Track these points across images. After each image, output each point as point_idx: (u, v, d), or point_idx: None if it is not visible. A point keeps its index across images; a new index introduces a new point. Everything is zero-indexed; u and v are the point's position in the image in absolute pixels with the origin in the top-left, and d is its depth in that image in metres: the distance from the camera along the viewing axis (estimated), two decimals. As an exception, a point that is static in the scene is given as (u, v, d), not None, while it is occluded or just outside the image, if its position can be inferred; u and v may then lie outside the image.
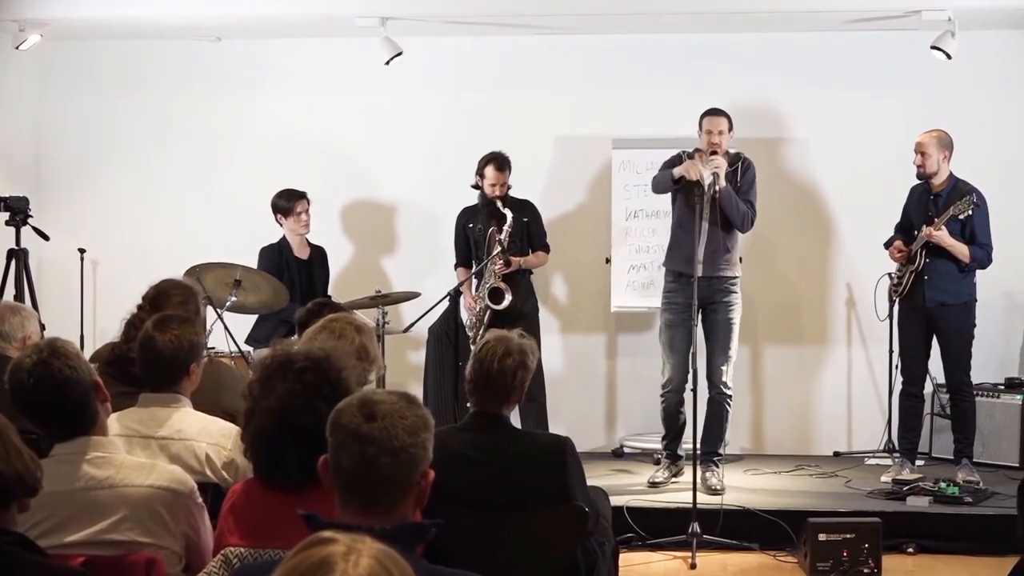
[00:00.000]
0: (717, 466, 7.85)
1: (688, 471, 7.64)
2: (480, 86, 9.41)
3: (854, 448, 9.06)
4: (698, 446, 7.37)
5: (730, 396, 7.86)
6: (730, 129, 7.76)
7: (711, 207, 7.51)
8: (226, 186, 9.48)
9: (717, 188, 7.53)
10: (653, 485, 7.78)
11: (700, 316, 7.61)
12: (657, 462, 8.54)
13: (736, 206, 7.64)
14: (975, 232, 7.63)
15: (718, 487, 7.63)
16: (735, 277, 7.85)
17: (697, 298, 7.34)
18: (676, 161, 7.79)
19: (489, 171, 8.37)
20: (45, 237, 8.51)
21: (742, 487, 7.83)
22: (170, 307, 4.97)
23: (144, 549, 3.44)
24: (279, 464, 3.30)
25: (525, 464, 4.32)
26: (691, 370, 7.32)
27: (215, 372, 4.93)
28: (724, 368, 7.79)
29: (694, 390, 7.40)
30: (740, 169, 7.77)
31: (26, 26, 8.74)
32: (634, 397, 9.30)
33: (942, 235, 7.58)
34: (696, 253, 7.34)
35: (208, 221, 9.41)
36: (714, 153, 7.61)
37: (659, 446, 8.56)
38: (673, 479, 7.89)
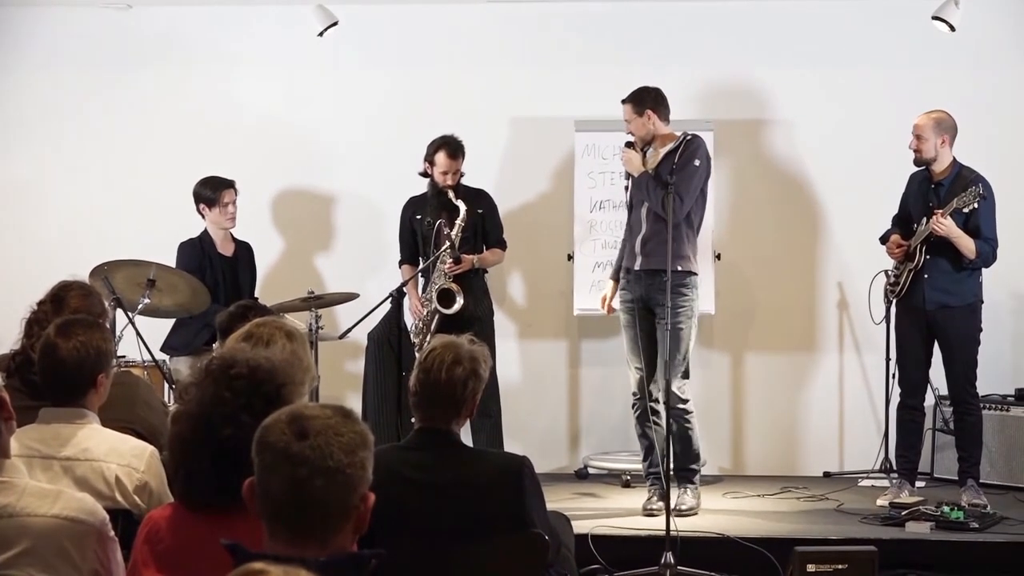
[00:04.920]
0: (691, 483, 7.88)
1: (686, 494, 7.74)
2: (427, 61, 9.41)
3: (846, 468, 9.11)
4: (668, 465, 7.39)
5: (685, 411, 7.76)
6: (643, 112, 7.73)
7: (647, 196, 7.64)
8: (138, 172, 9.44)
9: (627, 185, 7.72)
10: (650, 514, 7.71)
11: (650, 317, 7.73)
12: (626, 484, 8.57)
13: (649, 193, 7.64)
14: (980, 226, 7.65)
15: (683, 508, 7.66)
16: (685, 272, 7.66)
17: (640, 295, 7.58)
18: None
19: (440, 157, 8.37)
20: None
21: (722, 512, 7.86)
22: (72, 301, 4.95)
23: (46, 586, 3.42)
24: (193, 477, 3.32)
25: (477, 487, 4.33)
26: (667, 377, 7.40)
27: (126, 384, 4.91)
28: (672, 380, 7.59)
29: (666, 402, 7.45)
30: (680, 150, 7.69)
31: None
32: (600, 411, 9.33)
33: (949, 225, 7.60)
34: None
35: (117, 212, 9.37)
36: (628, 144, 7.81)
37: (627, 466, 8.61)
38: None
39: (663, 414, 7.66)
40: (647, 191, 7.62)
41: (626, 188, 7.84)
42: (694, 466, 7.96)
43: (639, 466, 8.18)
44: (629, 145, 7.80)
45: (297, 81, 9.45)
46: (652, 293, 7.61)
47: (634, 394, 7.88)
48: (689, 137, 7.79)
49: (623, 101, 7.83)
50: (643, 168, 7.68)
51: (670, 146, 7.75)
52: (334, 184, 9.50)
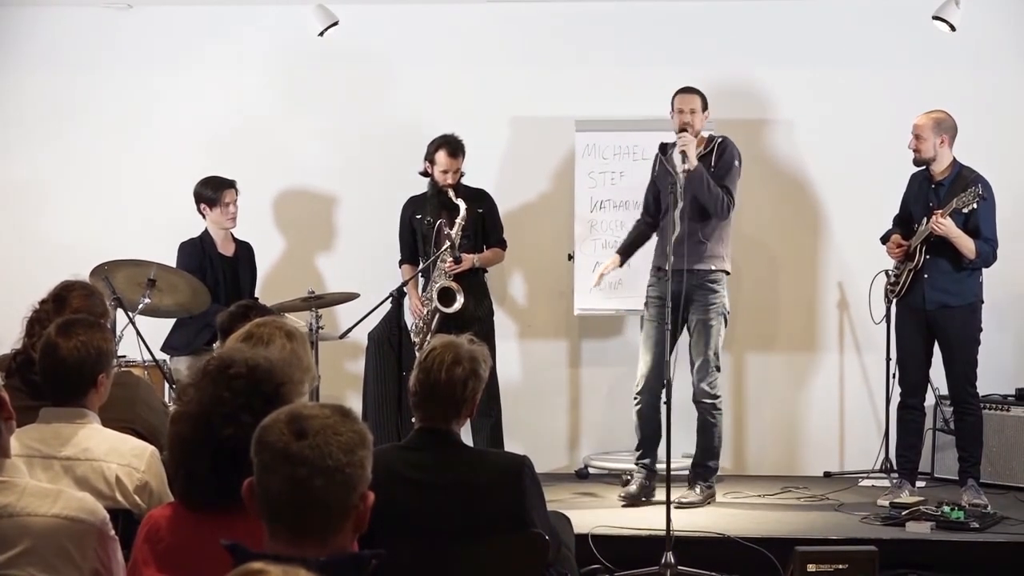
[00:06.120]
0: (703, 482, 7.99)
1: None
2: (426, 60, 9.40)
3: (847, 468, 9.11)
4: (669, 462, 7.39)
5: (714, 406, 7.95)
6: (704, 109, 7.90)
7: (684, 194, 7.59)
8: (139, 173, 9.43)
9: (686, 168, 7.70)
10: (625, 497, 7.77)
11: (683, 314, 7.83)
12: (625, 484, 8.57)
13: (708, 188, 7.76)
14: (979, 226, 7.66)
15: (684, 501, 7.76)
16: (715, 271, 7.91)
17: (673, 294, 7.50)
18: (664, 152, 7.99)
19: (440, 156, 8.38)
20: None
21: (722, 512, 7.86)
22: (74, 301, 4.95)
23: (46, 587, 3.42)
24: (193, 477, 3.32)
25: (477, 486, 4.33)
26: (667, 377, 7.40)
27: (126, 384, 4.91)
28: (702, 374, 7.90)
29: (667, 402, 7.45)
30: (716, 151, 7.90)
31: (-89, -9, 8.71)
32: (600, 411, 9.33)
33: (948, 225, 7.60)
34: (668, 244, 7.51)
35: (118, 213, 9.36)
36: (683, 131, 7.77)
37: (627, 466, 8.60)
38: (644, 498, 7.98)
39: (680, 409, 7.72)
40: (703, 186, 7.69)
41: (671, 185, 7.63)
42: (711, 463, 8.01)
43: (638, 465, 8.20)
44: (682, 131, 7.81)
45: (297, 80, 9.44)
46: (687, 290, 7.70)
47: (638, 383, 7.92)
48: (720, 139, 7.93)
49: (690, 90, 7.93)
50: (696, 161, 7.74)
51: (701, 148, 7.88)
52: (334, 184, 9.50)
